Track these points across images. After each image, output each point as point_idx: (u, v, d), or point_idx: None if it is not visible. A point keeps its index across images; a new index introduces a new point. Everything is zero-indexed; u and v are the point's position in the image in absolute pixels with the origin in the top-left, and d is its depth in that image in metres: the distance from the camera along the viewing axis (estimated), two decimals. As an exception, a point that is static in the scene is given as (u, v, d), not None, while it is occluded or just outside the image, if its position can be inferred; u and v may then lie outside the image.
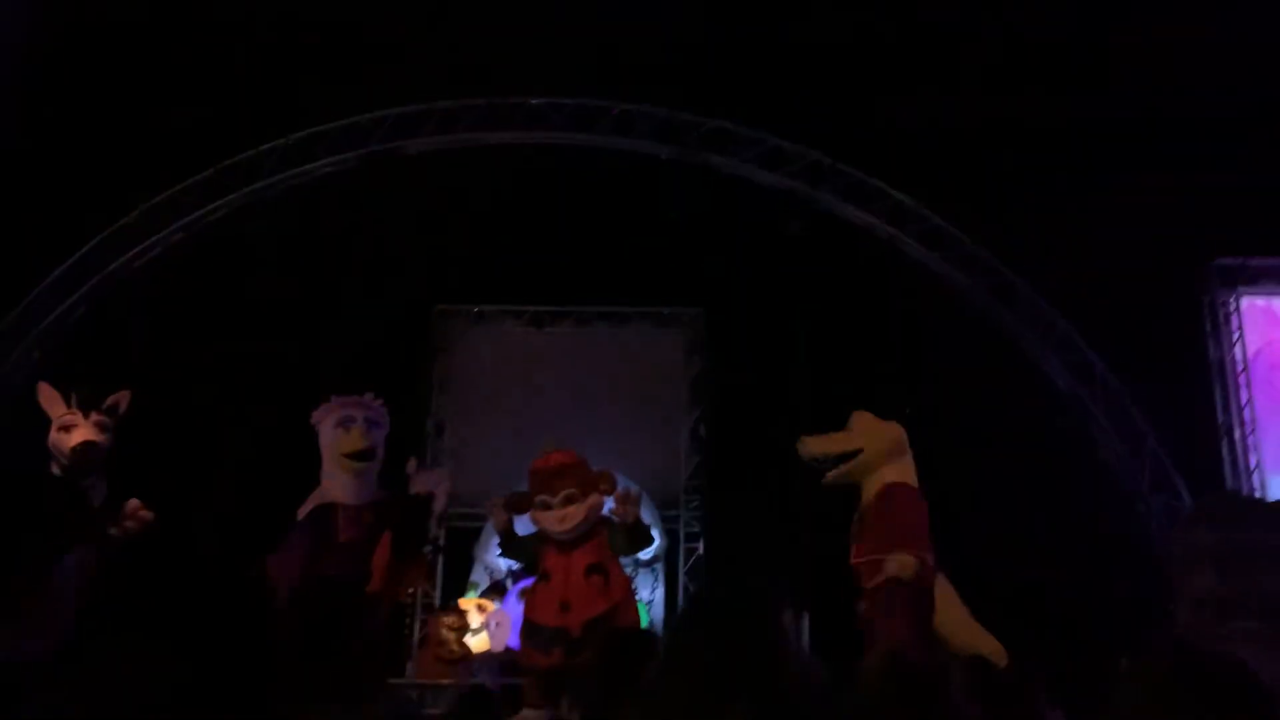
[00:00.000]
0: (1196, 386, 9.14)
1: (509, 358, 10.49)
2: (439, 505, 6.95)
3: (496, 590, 9.30)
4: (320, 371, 9.17)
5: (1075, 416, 8.91)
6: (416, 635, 9.07)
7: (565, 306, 10.49)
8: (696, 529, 10.13)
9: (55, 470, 5.86)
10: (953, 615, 5.60)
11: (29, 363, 9.20)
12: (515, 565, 9.50)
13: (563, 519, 6.51)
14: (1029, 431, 8.85)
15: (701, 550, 10.06)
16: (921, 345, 8.98)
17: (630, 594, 6.84)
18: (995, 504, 8.42)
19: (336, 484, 6.36)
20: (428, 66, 9.37)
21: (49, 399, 6.00)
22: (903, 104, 8.56)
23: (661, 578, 9.92)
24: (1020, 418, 8.89)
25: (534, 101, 9.61)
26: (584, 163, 9.65)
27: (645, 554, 9.67)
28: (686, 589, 9.83)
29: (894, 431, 6.01)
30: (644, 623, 7.84)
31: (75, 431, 5.86)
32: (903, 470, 5.83)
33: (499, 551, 7.77)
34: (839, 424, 6.75)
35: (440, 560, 9.95)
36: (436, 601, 9.62)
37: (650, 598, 9.61)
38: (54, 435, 5.91)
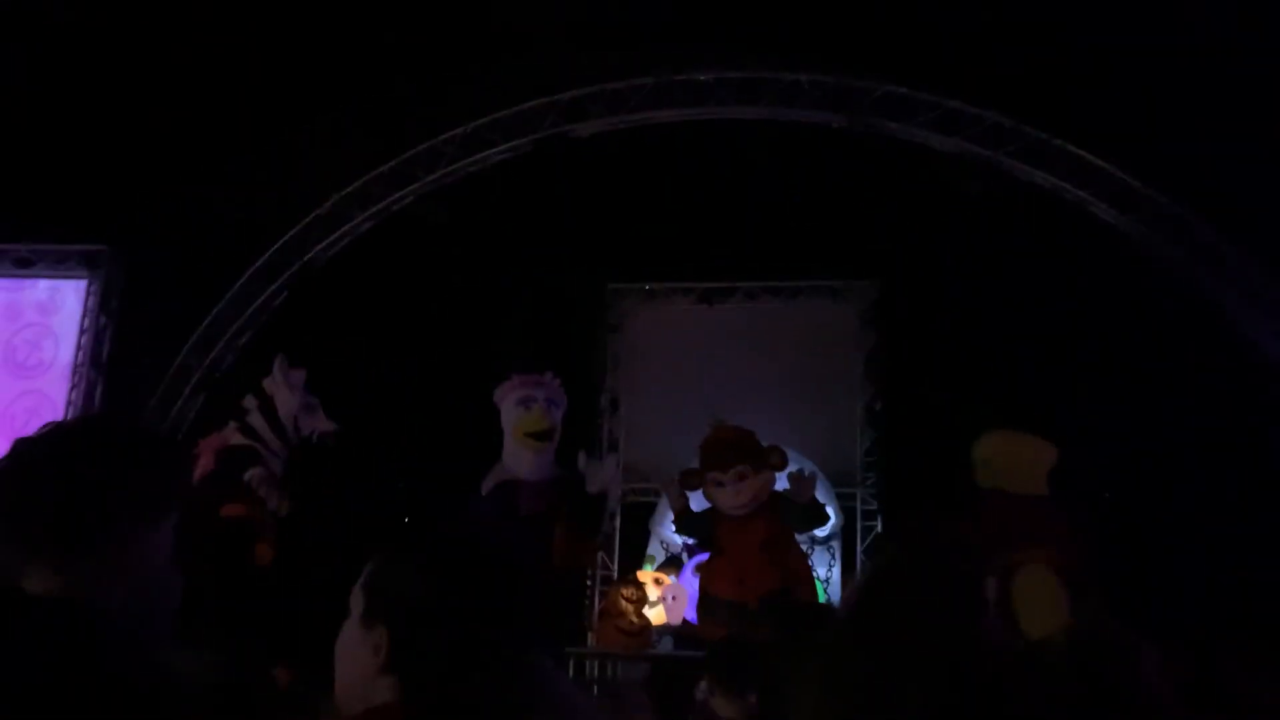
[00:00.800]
0: None
1: (681, 334, 10.56)
2: (611, 502, 7.08)
3: (673, 564, 9.41)
4: (500, 350, 9.50)
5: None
6: (596, 607, 9.28)
7: (735, 282, 10.46)
8: (873, 506, 9.95)
9: (277, 441, 6.17)
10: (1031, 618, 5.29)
11: (236, 346, 9.94)
12: (691, 540, 9.60)
13: (735, 495, 6.55)
14: (1234, 404, 8.27)
15: (879, 528, 9.88)
16: (1112, 314, 8.50)
17: (806, 569, 6.80)
18: (1198, 481, 7.91)
19: (517, 460, 6.56)
20: (595, 48, 9.50)
21: (294, 377, 6.31)
22: (1088, 57, 8.08)
23: (838, 555, 9.79)
24: (1224, 390, 8.31)
25: (701, 77, 9.58)
26: (753, 136, 9.57)
27: (821, 531, 9.58)
28: (864, 566, 9.68)
29: (983, 442, 5.81)
30: (821, 599, 7.78)
31: (322, 417, 6.25)
32: (987, 477, 5.61)
33: (675, 527, 7.88)
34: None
35: (618, 534, 10.16)
36: (615, 574, 9.82)
37: (827, 575, 9.51)
38: (298, 412, 6.24)
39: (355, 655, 1.57)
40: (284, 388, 6.16)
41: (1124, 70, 8.11)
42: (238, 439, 6.19)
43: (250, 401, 6.36)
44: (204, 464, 6.00)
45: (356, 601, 1.61)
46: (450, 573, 1.61)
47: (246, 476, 6.03)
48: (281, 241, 9.94)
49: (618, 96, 9.72)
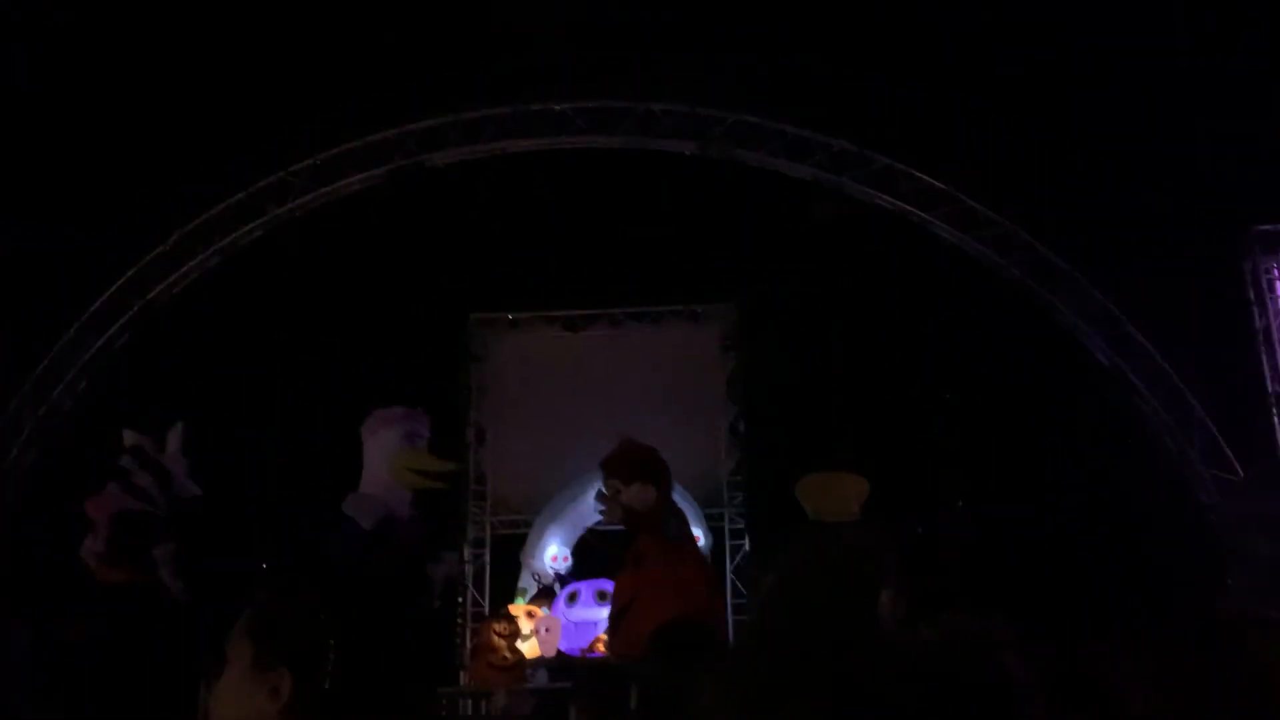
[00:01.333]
0: (1242, 356, 8.98)
1: (545, 362, 10.52)
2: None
3: (545, 596, 9.33)
4: (358, 385, 9.26)
5: (1119, 391, 8.81)
6: (468, 643, 9.11)
7: (598, 309, 10.50)
8: (740, 525, 10.09)
9: (165, 505, 5.86)
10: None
11: (76, 391, 9.39)
12: (562, 570, 9.53)
13: (610, 511, 6.56)
14: (1072, 409, 8.78)
15: (747, 546, 10.02)
16: (959, 329, 8.91)
17: (659, 583, 6.80)
18: (1040, 482, 8.34)
19: (393, 496, 6.38)
20: (450, 78, 9.44)
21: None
22: (925, 85, 8.49)
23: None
24: (1063, 395, 8.81)
25: (557, 107, 9.63)
26: (613, 163, 9.67)
27: (691, 552, 9.64)
28: (733, 585, 9.80)
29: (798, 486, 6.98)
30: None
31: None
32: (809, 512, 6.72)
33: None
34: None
35: (488, 568, 10.01)
36: (486, 609, 9.66)
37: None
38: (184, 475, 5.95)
39: (246, 701, 1.54)
40: (178, 449, 5.84)
41: (962, 96, 8.56)
42: (129, 502, 5.83)
43: (129, 461, 6.01)
44: (103, 529, 5.65)
45: (241, 649, 1.58)
46: (349, 610, 1.61)
47: (157, 553, 5.69)
48: (121, 281, 9.47)
49: (473, 126, 9.68)
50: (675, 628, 4.57)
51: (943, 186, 9.18)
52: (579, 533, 9.51)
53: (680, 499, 9.85)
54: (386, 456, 6.29)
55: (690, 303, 10.43)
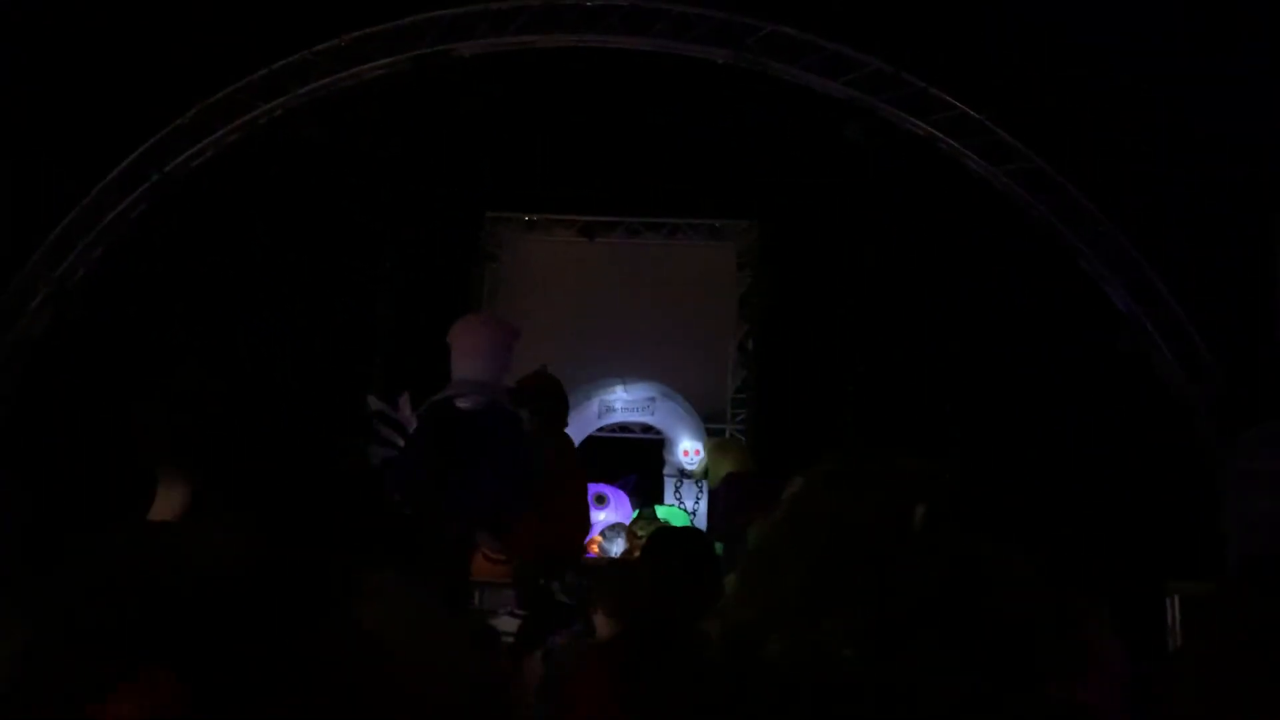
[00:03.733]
0: (1263, 313, 8.88)
1: (559, 266, 10.48)
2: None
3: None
4: (369, 276, 9.26)
5: (1135, 339, 8.74)
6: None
7: (616, 217, 10.40)
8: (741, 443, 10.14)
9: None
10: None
11: (91, 259, 9.41)
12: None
13: None
14: (1087, 353, 8.74)
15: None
16: (979, 262, 8.80)
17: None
18: (1049, 426, 8.35)
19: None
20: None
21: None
22: (969, 10, 8.24)
23: (705, 489, 9.98)
24: (1079, 339, 8.76)
25: (589, 3, 9.39)
26: (640, 67, 9.46)
27: (690, 466, 9.75)
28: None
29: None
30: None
31: None
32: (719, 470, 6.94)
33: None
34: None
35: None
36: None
37: (694, 509, 9.71)
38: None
39: None
40: (409, 410, 6.27)
41: (1006, 25, 8.30)
42: (383, 451, 6.32)
43: (377, 421, 6.39)
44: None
45: None
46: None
47: None
48: (139, 151, 9.38)
49: (502, 16, 9.45)
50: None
51: (977, 117, 8.96)
52: (580, 438, 9.58)
53: (683, 412, 9.92)
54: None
55: (710, 217, 10.33)
